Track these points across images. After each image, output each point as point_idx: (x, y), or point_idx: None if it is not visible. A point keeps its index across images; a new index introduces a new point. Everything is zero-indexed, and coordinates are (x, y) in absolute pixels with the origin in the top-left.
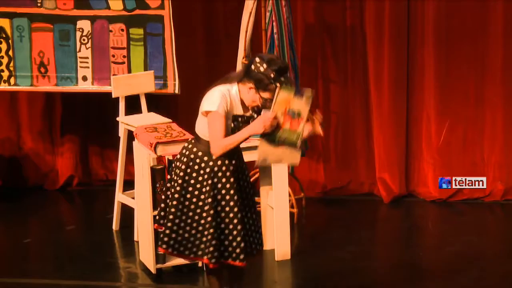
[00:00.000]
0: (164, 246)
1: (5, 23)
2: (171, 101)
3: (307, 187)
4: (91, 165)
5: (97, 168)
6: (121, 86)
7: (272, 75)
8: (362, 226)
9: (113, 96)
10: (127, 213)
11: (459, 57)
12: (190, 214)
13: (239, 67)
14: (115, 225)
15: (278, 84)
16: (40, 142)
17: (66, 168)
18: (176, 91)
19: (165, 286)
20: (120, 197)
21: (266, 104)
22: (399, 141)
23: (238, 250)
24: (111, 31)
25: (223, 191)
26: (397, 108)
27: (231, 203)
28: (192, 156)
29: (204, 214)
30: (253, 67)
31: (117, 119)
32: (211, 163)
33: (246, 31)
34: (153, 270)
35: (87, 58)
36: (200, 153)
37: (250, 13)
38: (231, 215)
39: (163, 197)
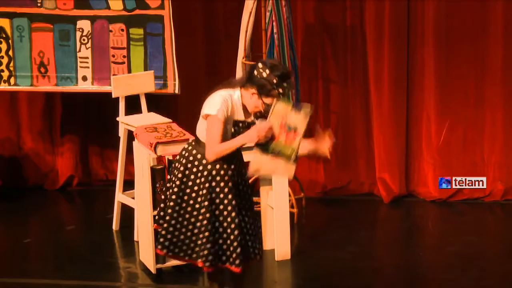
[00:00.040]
0: (159, 247)
1: (5, 23)
2: (171, 101)
3: (307, 187)
4: (91, 165)
5: (97, 168)
6: (121, 86)
7: (274, 81)
8: (362, 226)
9: (113, 96)
10: (127, 213)
11: (459, 57)
12: (187, 216)
13: (239, 67)
14: (115, 225)
15: (277, 93)
16: (40, 142)
17: (66, 168)
18: (176, 91)
19: (165, 286)
20: (120, 197)
21: (268, 110)
22: (399, 141)
23: (234, 255)
24: (111, 31)
25: (221, 195)
26: (397, 108)
27: (229, 208)
28: (191, 158)
29: (200, 217)
30: (255, 72)
31: (117, 119)
32: (209, 166)
33: (246, 31)
34: (153, 270)
35: (87, 58)
36: (199, 156)
37: (250, 13)
38: (228, 219)
39: (163, 197)
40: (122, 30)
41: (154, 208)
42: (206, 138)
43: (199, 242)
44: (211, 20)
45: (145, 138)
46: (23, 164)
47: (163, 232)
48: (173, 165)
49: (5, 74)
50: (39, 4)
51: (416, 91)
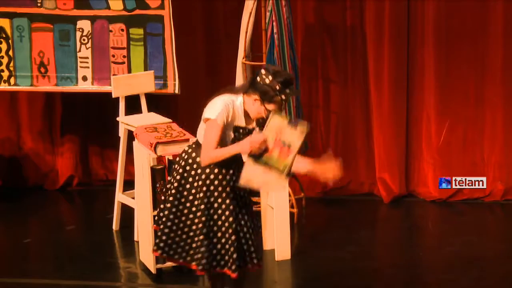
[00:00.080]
0: (154, 247)
1: (5, 23)
2: (171, 101)
3: (307, 187)
4: (91, 165)
5: (97, 168)
6: (121, 86)
7: (277, 87)
8: (362, 226)
9: (113, 96)
10: (127, 213)
11: (459, 57)
12: (183, 218)
13: (239, 67)
14: (115, 225)
15: (280, 99)
16: (40, 142)
17: (66, 168)
18: (176, 91)
19: (165, 286)
20: (120, 197)
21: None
22: (399, 141)
23: (231, 261)
24: (111, 31)
25: (219, 200)
26: (397, 108)
27: (226, 213)
28: (190, 161)
29: (196, 220)
30: (258, 78)
31: (117, 119)
32: (207, 170)
33: (246, 31)
34: (153, 270)
35: (87, 58)
36: (198, 159)
37: (250, 13)
38: (226, 224)
39: (162, 197)
40: (122, 30)
41: (154, 208)
42: (203, 142)
43: (194, 245)
44: (211, 20)
45: (145, 138)
46: (23, 164)
47: (159, 233)
48: (173, 166)
49: (5, 74)
50: (39, 4)
51: (416, 91)
